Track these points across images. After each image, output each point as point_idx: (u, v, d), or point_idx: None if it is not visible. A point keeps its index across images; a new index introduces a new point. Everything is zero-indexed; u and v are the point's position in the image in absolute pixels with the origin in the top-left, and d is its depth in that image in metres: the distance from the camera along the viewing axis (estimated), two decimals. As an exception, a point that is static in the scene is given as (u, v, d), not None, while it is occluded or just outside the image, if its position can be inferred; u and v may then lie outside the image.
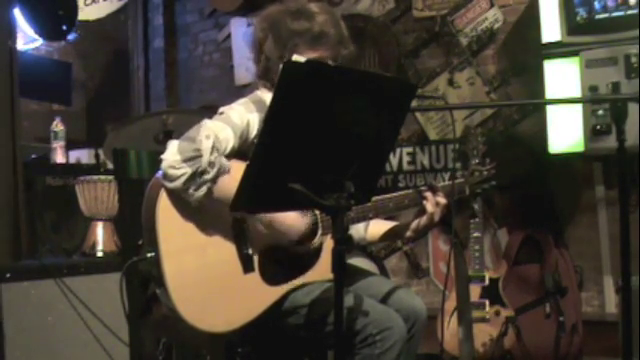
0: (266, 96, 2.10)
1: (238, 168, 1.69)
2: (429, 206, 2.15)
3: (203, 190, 1.88)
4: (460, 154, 3.73)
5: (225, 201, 1.79)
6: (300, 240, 2.00)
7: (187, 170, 1.86)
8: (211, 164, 1.89)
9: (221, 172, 1.91)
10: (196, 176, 1.87)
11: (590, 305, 3.75)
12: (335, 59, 2.14)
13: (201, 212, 1.92)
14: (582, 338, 3.47)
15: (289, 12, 2.14)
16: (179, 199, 1.90)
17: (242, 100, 2.11)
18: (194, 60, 5.39)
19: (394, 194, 2.20)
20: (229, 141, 1.97)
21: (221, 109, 2.07)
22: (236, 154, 1.99)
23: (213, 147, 1.90)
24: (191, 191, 1.87)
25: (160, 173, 1.91)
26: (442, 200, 2.17)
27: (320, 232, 2.08)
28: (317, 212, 2.08)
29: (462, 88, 4.14)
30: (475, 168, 2.42)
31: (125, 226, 2.94)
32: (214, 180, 1.89)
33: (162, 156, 1.89)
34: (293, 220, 1.99)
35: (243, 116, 2.03)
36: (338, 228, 1.65)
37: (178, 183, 1.87)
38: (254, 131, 2.03)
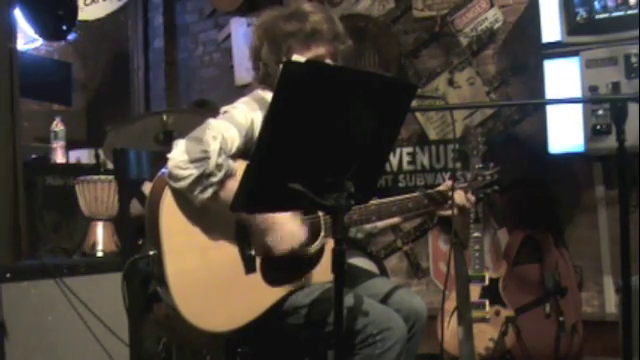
0: (267, 94, 2.10)
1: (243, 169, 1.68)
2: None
3: (209, 192, 1.88)
4: (460, 154, 3.73)
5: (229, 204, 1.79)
6: (300, 248, 1.99)
7: (194, 172, 1.86)
8: (218, 166, 1.88)
9: (228, 175, 1.90)
10: (203, 178, 1.86)
11: (590, 305, 3.75)
12: (333, 56, 2.14)
13: (205, 211, 1.92)
14: (582, 338, 3.47)
15: (282, 16, 2.15)
16: (183, 198, 1.90)
17: (244, 99, 2.11)
18: (194, 60, 5.39)
19: (398, 197, 2.22)
20: (235, 141, 1.96)
21: (224, 108, 2.07)
22: (241, 153, 1.99)
23: (220, 149, 1.89)
24: (196, 193, 1.87)
25: (165, 171, 1.91)
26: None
27: (323, 234, 2.07)
28: (320, 214, 2.08)
29: (462, 88, 4.14)
30: (478, 172, 2.43)
31: (125, 226, 2.94)
32: (220, 183, 1.89)
33: (169, 155, 1.89)
34: (292, 228, 1.97)
35: (247, 115, 2.03)
36: (338, 228, 1.66)
37: (184, 184, 1.86)
38: (258, 130, 2.03)
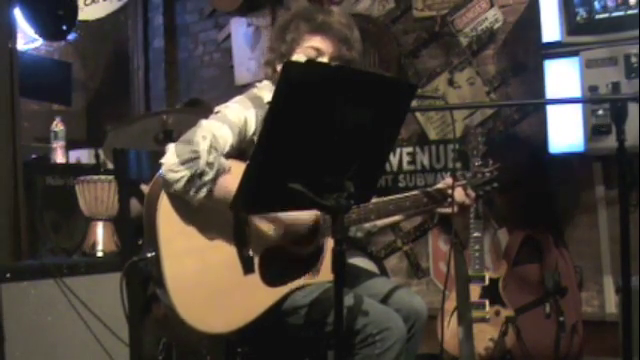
0: (263, 92, 2.12)
1: (238, 168, 1.69)
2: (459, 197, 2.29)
3: (203, 192, 1.88)
4: (460, 154, 3.73)
5: (226, 201, 1.80)
6: (306, 235, 2.00)
7: (185, 173, 1.86)
8: (209, 165, 1.89)
9: (220, 172, 1.90)
10: (195, 178, 1.87)
11: (590, 305, 3.74)
12: (333, 56, 2.14)
13: (202, 213, 1.92)
14: (582, 338, 3.47)
15: (309, 6, 2.25)
16: (180, 200, 1.90)
17: (238, 97, 2.12)
18: (194, 60, 5.39)
19: (396, 196, 2.22)
20: (227, 140, 1.97)
21: (217, 108, 2.08)
22: (235, 153, 1.99)
23: (211, 147, 1.90)
24: (192, 193, 1.87)
25: (161, 174, 1.91)
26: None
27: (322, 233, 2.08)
28: (320, 213, 2.08)
29: (462, 88, 4.14)
30: (477, 170, 2.43)
31: (125, 226, 2.94)
32: (214, 181, 1.89)
33: (161, 160, 1.90)
34: (299, 214, 2.00)
35: (240, 113, 2.03)
36: (338, 228, 1.66)
37: (178, 186, 1.87)
38: (252, 128, 2.04)
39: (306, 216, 2.03)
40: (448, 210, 2.30)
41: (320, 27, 2.14)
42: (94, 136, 4.95)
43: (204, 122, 1.98)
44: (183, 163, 1.86)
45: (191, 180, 1.87)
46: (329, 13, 2.18)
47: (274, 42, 2.21)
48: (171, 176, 1.87)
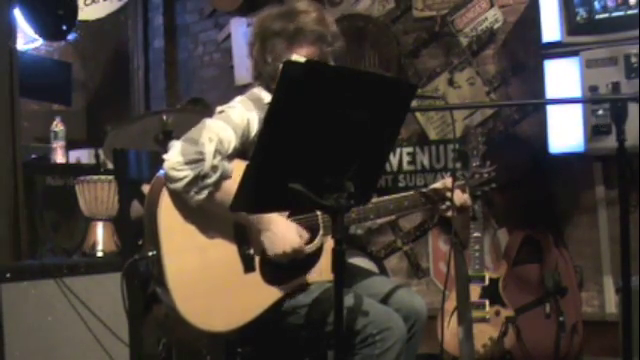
0: (264, 94, 2.11)
1: (240, 170, 1.68)
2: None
3: (204, 194, 1.88)
4: (460, 154, 3.73)
5: (224, 205, 1.79)
6: (294, 253, 1.98)
7: (189, 173, 1.86)
8: (214, 168, 1.89)
9: (223, 176, 1.90)
10: (198, 179, 1.87)
11: (590, 305, 3.74)
12: (319, 57, 2.13)
13: (203, 211, 1.92)
14: (582, 338, 3.48)
15: (274, 14, 2.16)
16: (181, 198, 1.90)
17: (240, 98, 2.11)
18: (194, 60, 5.39)
19: (394, 196, 2.22)
20: (231, 142, 1.97)
21: (220, 108, 2.07)
22: (238, 153, 1.99)
23: (216, 150, 1.90)
24: (192, 194, 1.88)
25: (162, 172, 1.91)
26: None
27: (321, 232, 2.08)
28: (318, 213, 2.08)
29: (462, 88, 4.14)
30: (475, 170, 2.44)
31: (125, 226, 2.94)
32: (216, 184, 1.89)
33: (164, 156, 1.90)
34: (286, 233, 1.96)
35: (243, 115, 2.03)
36: (338, 228, 1.66)
37: (179, 185, 1.87)
38: (254, 130, 2.04)
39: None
40: (448, 213, 2.30)
41: (294, 37, 2.10)
42: (94, 136, 4.94)
43: (209, 122, 1.98)
44: (188, 163, 1.86)
45: (194, 181, 1.87)
46: (296, 15, 2.11)
47: (258, 63, 2.17)
48: (174, 174, 1.87)
